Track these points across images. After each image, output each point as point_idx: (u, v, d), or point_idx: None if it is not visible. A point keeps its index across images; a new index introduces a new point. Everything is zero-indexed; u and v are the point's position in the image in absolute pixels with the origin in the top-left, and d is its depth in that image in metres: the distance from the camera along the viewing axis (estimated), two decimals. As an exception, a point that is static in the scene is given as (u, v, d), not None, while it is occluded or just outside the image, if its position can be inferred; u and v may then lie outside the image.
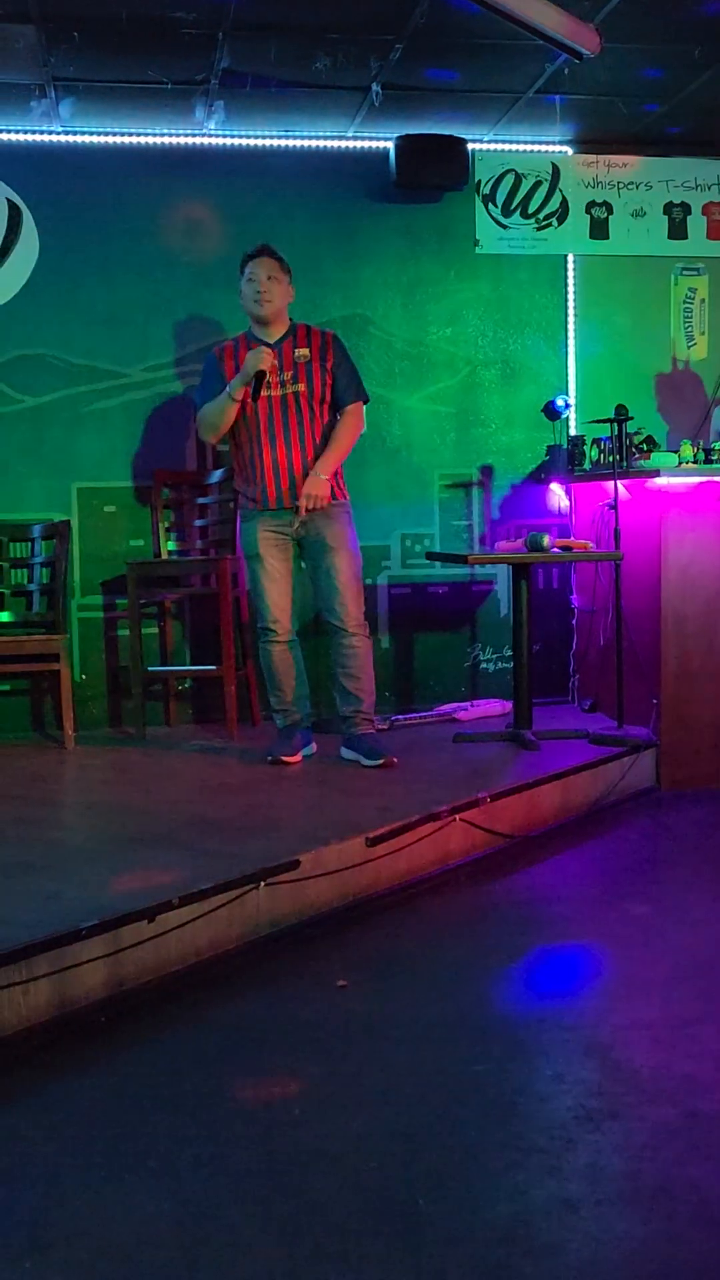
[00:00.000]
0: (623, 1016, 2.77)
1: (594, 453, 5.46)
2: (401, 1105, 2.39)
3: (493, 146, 5.70)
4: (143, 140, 5.41)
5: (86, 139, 5.38)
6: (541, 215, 5.75)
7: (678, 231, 5.87)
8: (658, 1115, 2.30)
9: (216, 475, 5.40)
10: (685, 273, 5.91)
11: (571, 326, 5.81)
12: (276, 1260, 1.90)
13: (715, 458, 5.09)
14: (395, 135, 5.45)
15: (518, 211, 5.73)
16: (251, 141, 5.50)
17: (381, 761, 4.47)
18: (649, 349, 5.88)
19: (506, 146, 5.71)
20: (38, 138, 5.34)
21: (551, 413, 5.57)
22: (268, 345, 4.44)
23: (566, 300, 5.81)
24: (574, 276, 5.80)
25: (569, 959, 3.21)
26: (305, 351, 4.49)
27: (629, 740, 4.75)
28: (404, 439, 5.70)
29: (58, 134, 5.35)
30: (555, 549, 4.92)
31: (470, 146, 5.56)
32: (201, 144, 5.47)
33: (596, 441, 5.44)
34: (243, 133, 5.46)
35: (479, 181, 5.68)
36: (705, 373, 5.94)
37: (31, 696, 5.51)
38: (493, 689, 5.77)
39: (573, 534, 5.68)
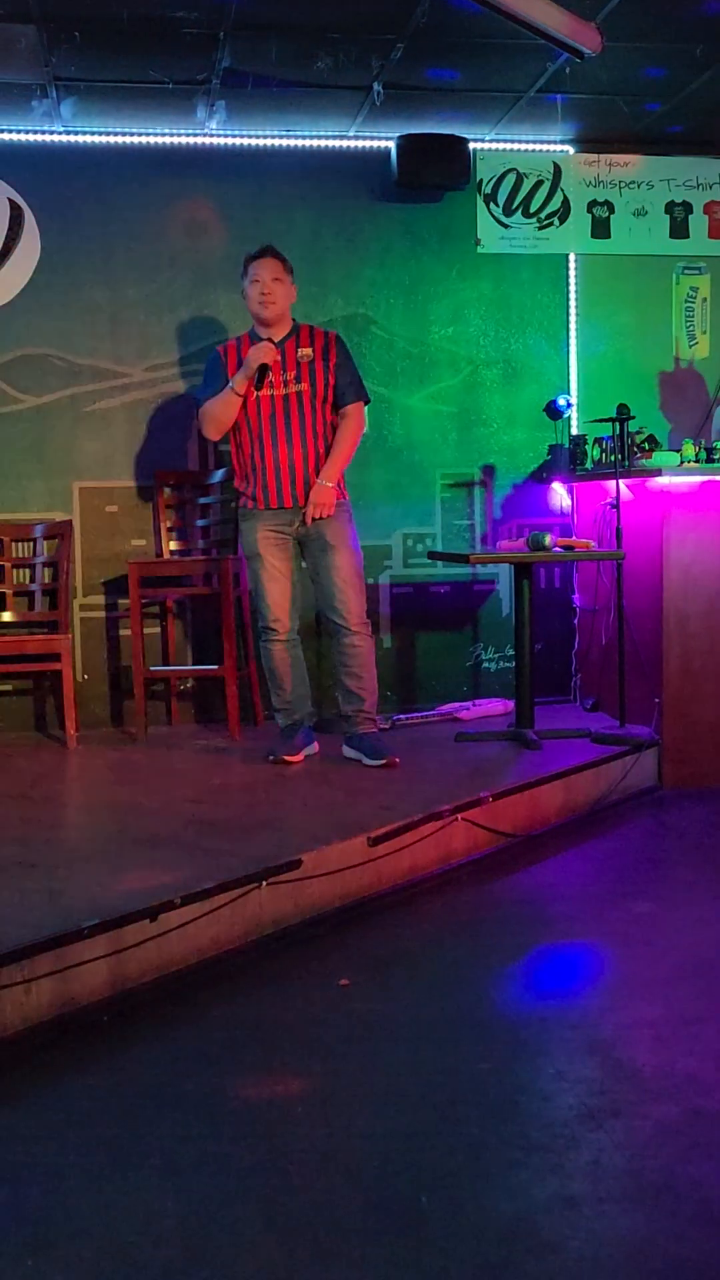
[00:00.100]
0: (625, 1015, 2.77)
1: (596, 452, 5.46)
2: (404, 1104, 2.39)
3: (494, 146, 5.70)
4: (144, 140, 5.42)
5: (88, 139, 5.38)
6: (543, 214, 5.75)
7: (679, 230, 5.87)
8: (660, 1113, 2.30)
9: (218, 475, 5.40)
10: (687, 272, 5.91)
11: (573, 326, 5.81)
12: (279, 1258, 1.90)
13: (717, 457, 5.08)
14: (396, 135, 5.45)
15: (519, 211, 5.73)
16: (253, 141, 5.50)
17: (383, 761, 4.47)
18: (651, 348, 5.88)
19: (508, 146, 5.71)
20: (39, 137, 5.34)
21: (553, 412, 5.56)
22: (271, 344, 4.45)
23: (568, 299, 5.81)
24: (575, 276, 5.80)
25: (571, 958, 3.21)
26: (308, 351, 4.49)
27: (631, 739, 4.75)
28: (406, 438, 5.70)
29: (59, 134, 5.35)
30: (557, 548, 4.91)
31: (472, 146, 5.55)
32: (203, 144, 5.47)
33: (598, 441, 5.44)
34: (244, 132, 5.46)
35: (480, 181, 5.68)
36: (707, 372, 5.94)
37: (33, 696, 5.51)
38: (494, 688, 5.77)
39: (574, 533, 5.67)
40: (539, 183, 5.74)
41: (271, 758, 4.60)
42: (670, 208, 5.85)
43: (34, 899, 3.06)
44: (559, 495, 5.81)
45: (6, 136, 5.31)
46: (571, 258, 5.80)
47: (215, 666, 5.22)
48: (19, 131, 5.31)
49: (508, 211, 5.72)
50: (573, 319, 5.81)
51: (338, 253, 5.59)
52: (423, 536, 5.74)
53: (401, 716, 5.34)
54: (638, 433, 5.27)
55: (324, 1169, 2.15)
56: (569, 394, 5.76)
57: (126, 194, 5.42)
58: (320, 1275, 1.86)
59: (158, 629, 5.52)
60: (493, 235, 5.72)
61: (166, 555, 5.45)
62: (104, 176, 5.40)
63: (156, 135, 5.42)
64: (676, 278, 5.91)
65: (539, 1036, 2.67)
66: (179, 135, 5.43)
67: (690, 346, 5.93)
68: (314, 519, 4.48)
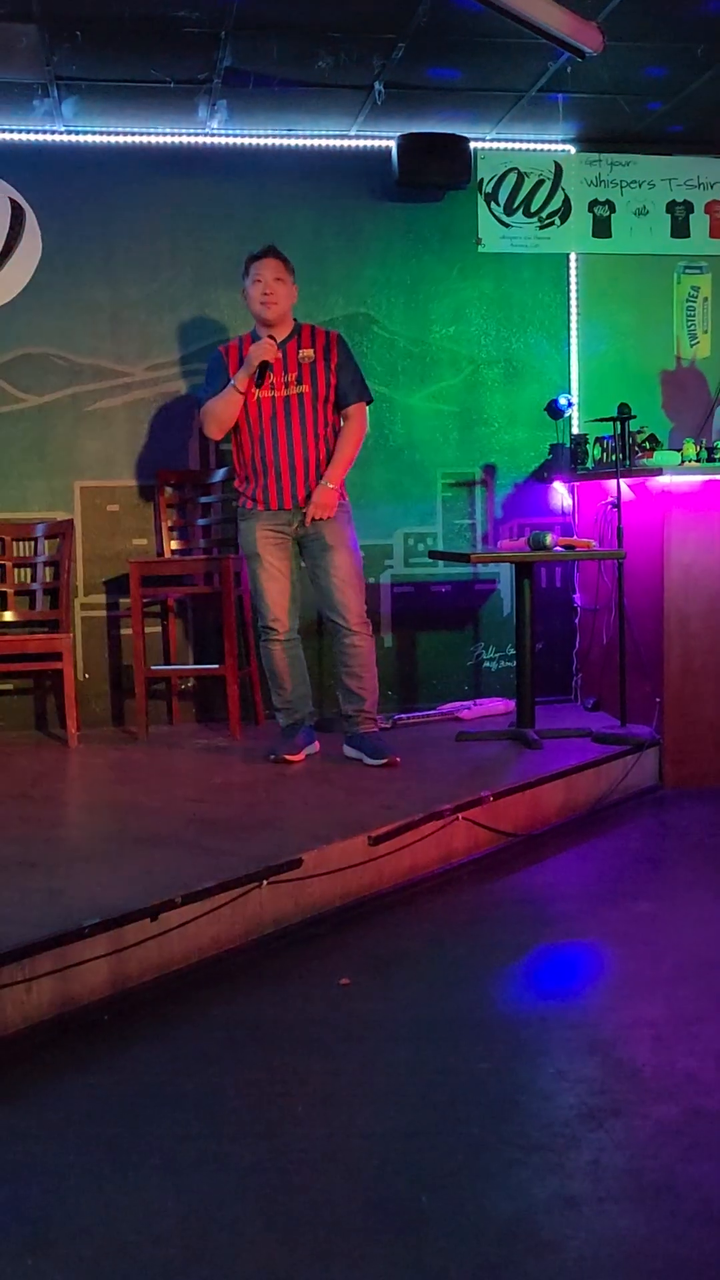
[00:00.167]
0: (625, 1015, 2.77)
1: (597, 451, 5.46)
2: (404, 1103, 2.39)
3: (495, 145, 5.70)
4: (145, 139, 5.42)
5: (89, 138, 5.38)
6: (544, 214, 5.75)
7: (680, 230, 5.87)
8: (660, 1113, 2.30)
9: (219, 474, 5.40)
10: (688, 271, 5.91)
11: (574, 325, 5.81)
12: (279, 1257, 1.90)
13: (718, 456, 5.08)
14: (398, 134, 5.45)
15: (520, 210, 5.73)
16: (254, 140, 5.50)
17: (384, 760, 4.47)
18: (652, 347, 5.88)
19: (509, 145, 5.71)
20: (40, 137, 5.34)
21: (554, 411, 5.56)
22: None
23: (569, 299, 5.80)
24: (576, 275, 5.80)
25: (572, 957, 3.21)
26: (309, 352, 4.49)
27: (632, 739, 4.75)
28: (407, 438, 5.70)
29: (60, 133, 5.35)
30: (558, 548, 4.91)
31: (473, 145, 5.55)
32: (204, 143, 5.47)
33: (599, 440, 5.44)
34: (245, 132, 5.46)
35: (481, 180, 5.68)
36: (709, 371, 5.94)
37: (35, 695, 5.51)
38: (495, 688, 5.77)
39: (575, 533, 5.67)
40: (540, 182, 5.74)
41: (272, 757, 4.60)
42: (671, 207, 5.85)
43: (35, 898, 3.07)
44: (560, 495, 5.81)
45: (8, 136, 5.32)
46: (572, 257, 5.80)
47: (216, 666, 5.22)
48: (20, 131, 5.31)
49: (509, 211, 5.72)
50: (574, 318, 5.81)
51: (339, 252, 5.59)
52: (424, 536, 5.74)
53: (402, 716, 5.34)
54: (639, 432, 5.27)
55: (324, 1168, 2.15)
56: (570, 393, 5.75)
57: (127, 193, 5.42)
58: (320, 1275, 1.86)
59: (159, 628, 5.52)
60: (494, 234, 5.72)
61: (168, 554, 5.45)
62: (105, 176, 5.40)
63: (158, 135, 5.42)
64: (677, 277, 5.91)
65: (539, 1036, 2.67)
66: (180, 135, 5.44)
67: (691, 346, 5.92)
68: (314, 519, 4.48)
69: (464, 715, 5.37)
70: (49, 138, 5.35)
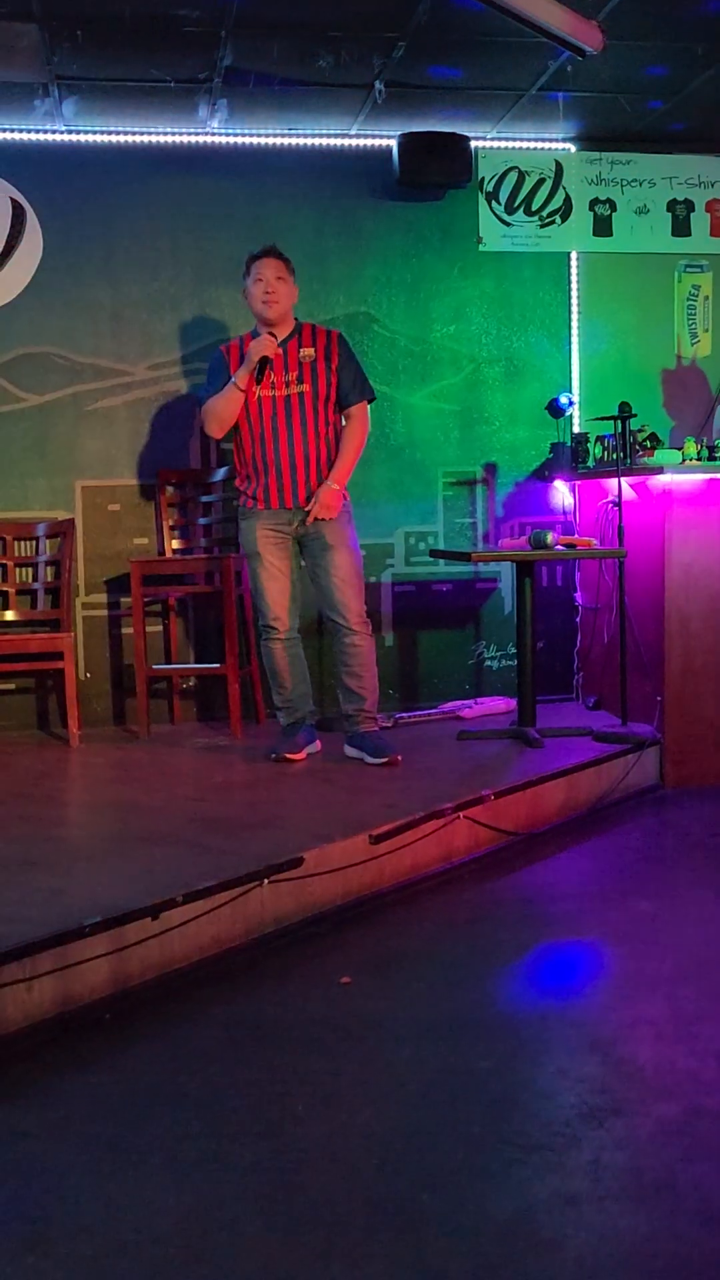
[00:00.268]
0: (626, 1013, 2.77)
1: (598, 450, 5.46)
2: (405, 1102, 2.39)
3: (496, 144, 5.69)
4: (146, 139, 5.42)
5: (90, 138, 5.38)
6: (545, 212, 5.75)
7: (681, 228, 5.87)
8: (661, 1112, 2.30)
9: (220, 473, 5.41)
10: (689, 269, 5.90)
11: (575, 324, 5.81)
12: (279, 1257, 1.90)
13: (719, 455, 5.08)
14: (398, 133, 5.45)
15: (521, 209, 5.73)
16: (254, 139, 5.50)
17: (385, 759, 4.47)
18: (653, 346, 5.88)
19: (510, 144, 5.70)
20: (41, 137, 5.34)
21: (555, 410, 5.56)
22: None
23: (570, 297, 5.80)
24: (577, 274, 5.80)
25: (572, 956, 3.21)
26: (310, 351, 4.49)
27: (633, 738, 4.75)
28: (408, 437, 5.70)
29: (61, 133, 5.35)
30: (559, 546, 4.91)
31: (473, 144, 5.55)
32: (204, 142, 5.47)
33: (600, 439, 5.44)
34: (246, 131, 5.46)
35: (482, 179, 5.68)
36: (710, 369, 5.94)
37: (36, 694, 5.52)
38: (496, 686, 5.77)
39: (576, 531, 5.67)
40: (541, 181, 5.74)
41: (273, 756, 4.60)
42: (672, 206, 5.85)
43: (36, 897, 3.07)
44: (561, 493, 5.81)
45: (8, 136, 5.32)
46: (573, 256, 5.80)
47: (217, 665, 5.22)
48: (21, 131, 5.31)
49: (509, 209, 5.72)
50: (574, 317, 5.81)
51: (340, 251, 5.59)
52: (425, 535, 5.74)
53: (403, 715, 5.34)
54: (639, 431, 5.27)
55: (324, 1168, 2.16)
56: (571, 392, 5.75)
57: (128, 193, 5.42)
58: (320, 1274, 1.86)
59: (160, 627, 5.53)
60: (494, 233, 5.72)
61: (169, 554, 5.45)
62: (106, 175, 5.40)
63: (158, 134, 5.42)
64: (678, 275, 5.90)
65: (540, 1035, 2.68)
66: (181, 134, 5.43)
67: (692, 344, 5.92)
68: (315, 519, 4.48)
69: (465, 714, 5.37)
70: (49, 137, 5.35)
